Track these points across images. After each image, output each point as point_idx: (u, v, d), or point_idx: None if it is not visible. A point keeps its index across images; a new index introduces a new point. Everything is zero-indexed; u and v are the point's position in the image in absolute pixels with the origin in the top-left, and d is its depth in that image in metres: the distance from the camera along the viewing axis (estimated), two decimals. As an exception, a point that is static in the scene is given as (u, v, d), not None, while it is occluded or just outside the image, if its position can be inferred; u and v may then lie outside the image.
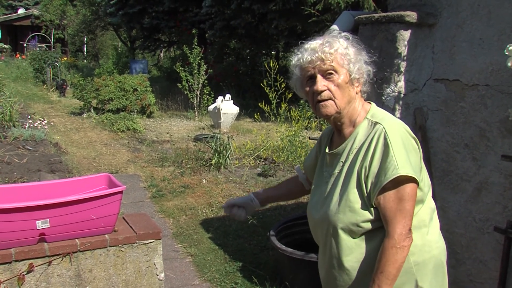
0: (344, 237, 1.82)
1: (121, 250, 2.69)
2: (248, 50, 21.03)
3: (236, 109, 12.12)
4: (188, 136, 10.69)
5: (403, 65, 3.27)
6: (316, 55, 1.79)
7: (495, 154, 2.94)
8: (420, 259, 1.85)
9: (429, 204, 1.91)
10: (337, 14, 6.95)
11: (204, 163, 7.99)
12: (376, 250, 1.79)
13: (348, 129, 1.90)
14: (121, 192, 2.62)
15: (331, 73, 1.80)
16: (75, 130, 11.15)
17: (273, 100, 9.10)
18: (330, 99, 1.82)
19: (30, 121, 9.21)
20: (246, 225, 5.46)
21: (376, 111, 1.91)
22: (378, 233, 1.80)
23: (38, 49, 22.63)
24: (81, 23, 29.65)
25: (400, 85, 3.29)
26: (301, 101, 11.53)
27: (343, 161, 1.87)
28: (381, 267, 1.71)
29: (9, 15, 31.82)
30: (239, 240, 5.24)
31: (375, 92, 3.36)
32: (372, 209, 1.78)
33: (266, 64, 9.96)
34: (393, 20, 3.25)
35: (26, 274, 2.44)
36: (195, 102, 13.35)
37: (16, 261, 2.42)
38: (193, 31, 14.79)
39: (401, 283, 1.81)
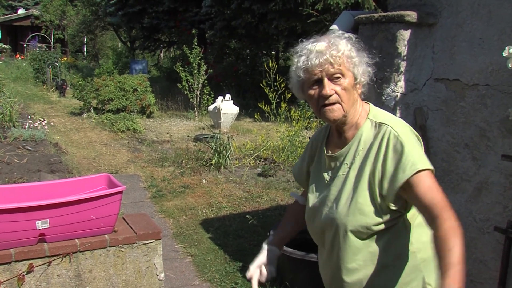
0: (353, 239, 1.80)
1: (121, 250, 2.69)
2: (248, 50, 21.03)
3: (236, 109, 12.12)
4: (188, 136, 10.69)
5: (403, 65, 3.26)
6: (324, 57, 1.74)
7: (495, 154, 2.94)
8: (426, 256, 1.85)
9: None
10: (337, 14, 6.95)
11: (204, 163, 7.99)
12: (384, 250, 1.79)
13: (350, 131, 1.87)
14: (121, 192, 2.62)
15: (339, 77, 1.76)
16: (75, 130, 11.15)
17: (272, 100, 9.10)
18: (338, 103, 1.78)
19: (30, 121, 9.22)
20: (246, 225, 5.46)
21: (376, 112, 1.89)
22: (386, 233, 1.80)
23: (38, 49, 22.61)
24: (81, 23, 29.66)
25: (400, 85, 3.29)
26: (301, 101, 11.53)
27: (348, 163, 1.84)
28: (448, 255, 1.52)
29: (9, 15, 31.80)
30: (239, 240, 5.24)
31: (375, 92, 3.35)
32: (384, 210, 1.76)
33: (265, 65, 9.95)
34: (393, 20, 3.25)
35: (26, 274, 2.44)
36: (195, 102, 13.35)
37: (16, 261, 2.42)
38: (193, 31, 14.82)
39: (409, 280, 1.81)
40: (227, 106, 11.81)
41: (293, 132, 8.48)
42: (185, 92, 13.05)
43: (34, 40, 28.16)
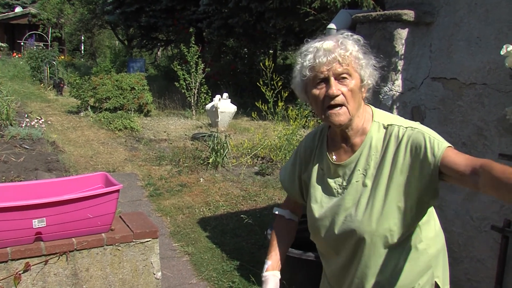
0: (379, 245, 1.76)
1: (118, 249, 2.68)
2: (245, 49, 21.02)
3: (233, 108, 12.11)
4: (186, 134, 10.69)
5: (400, 64, 3.27)
6: (333, 55, 1.68)
7: (493, 153, 2.94)
8: (434, 251, 1.87)
9: None
10: (334, 13, 6.96)
11: (202, 161, 7.98)
12: (403, 250, 1.80)
13: (358, 136, 1.81)
14: (117, 191, 2.62)
15: (345, 77, 1.70)
16: (72, 128, 11.13)
17: (270, 99, 9.10)
18: (343, 105, 1.71)
19: (27, 119, 9.21)
20: (243, 224, 5.46)
21: (380, 113, 1.85)
22: (409, 238, 1.80)
23: (35, 47, 22.54)
24: (78, 21, 29.59)
25: (397, 83, 3.29)
26: (299, 100, 11.51)
27: (361, 169, 1.79)
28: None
29: (6, 14, 31.71)
30: (237, 239, 5.24)
31: (372, 91, 3.35)
32: (410, 212, 1.74)
33: (261, 64, 9.94)
34: (391, 19, 3.24)
35: (22, 273, 2.43)
36: (192, 101, 13.34)
37: (12, 260, 2.41)
38: (191, 30, 14.77)
39: (419, 277, 1.83)
40: (224, 105, 11.80)
41: (291, 131, 8.48)
42: (183, 91, 13.04)
43: (31, 38, 28.07)
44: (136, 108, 13.14)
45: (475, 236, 3.11)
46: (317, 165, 1.93)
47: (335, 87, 1.69)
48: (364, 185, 1.78)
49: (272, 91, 9.17)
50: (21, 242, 2.43)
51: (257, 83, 9.70)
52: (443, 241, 1.95)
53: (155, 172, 7.77)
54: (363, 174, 1.79)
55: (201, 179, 7.32)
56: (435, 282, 1.89)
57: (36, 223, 2.42)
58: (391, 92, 3.32)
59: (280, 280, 2.00)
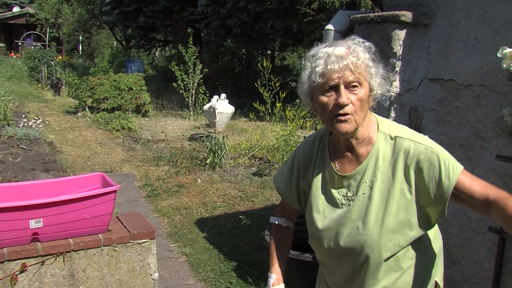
0: (386, 257, 1.75)
1: (115, 250, 2.68)
2: (243, 50, 21.03)
3: (231, 109, 12.11)
4: (183, 135, 10.69)
5: (398, 65, 3.27)
6: (345, 62, 1.62)
7: (490, 154, 2.95)
8: (434, 252, 1.89)
9: None
10: (333, 13, 6.95)
11: (199, 162, 7.98)
12: (407, 256, 1.79)
13: (363, 147, 1.77)
14: (114, 191, 2.61)
15: (356, 86, 1.64)
16: (69, 129, 11.11)
17: (267, 99, 9.11)
18: (351, 114, 1.65)
19: (25, 120, 9.19)
20: (240, 225, 5.46)
21: (386, 123, 1.81)
22: (413, 243, 1.79)
23: (33, 47, 22.51)
24: (76, 21, 29.56)
25: (395, 84, 3.29)
26: (296, 101, 11.53)
27: (368, 181, 1.75)
28: None
29: (4, 13, 31.64)
30: (234, 239, 5.23)
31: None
32: (418, 225, 1.74)
33: (259, 64, 9.95)
34: (388, 20, 3.24)
35: (19, 273, 2.43)
36: (190, 101, 13.34)
37: (8, 260, 2.41)
38: (189, 30, 14.76)
39: (423, 278, 1.84)
40: (222, 106, 11.80)
41: (288, 132, 8.48)
42: (181, 91, 13.04)
43: (29, 38, 28.01)
44: (134, 108, 13.13)
45: (472, 238, 3.11)
46: (319, 173, 1.88)
47: (346, 96, 1.63)
48: (372, 198, 1.74)
49: (270, 92, 9.18)
50: (17, 243, 2.43)
51: (255, 84, 9.71)
52: (441, 241, 1.97)
53: (152, 172, 7.76)
54: (370, 187, 1.75)
55: (199, 180, 7.31)
56: (435, 281, 1.90)
57: (33, 224, 2.41)
58: (388, 93, 3.32)
59: None
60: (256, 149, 8.64)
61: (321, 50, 1.68)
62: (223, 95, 12.22)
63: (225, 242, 5.15)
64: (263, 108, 9.07)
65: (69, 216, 2.49)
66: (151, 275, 2.82)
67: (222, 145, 8.06)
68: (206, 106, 11.99)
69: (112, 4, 21.51)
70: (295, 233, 2.18)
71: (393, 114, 3.33)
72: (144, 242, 2.77)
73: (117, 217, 2.94)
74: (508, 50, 2.46)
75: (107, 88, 12.82)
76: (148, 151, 9.30)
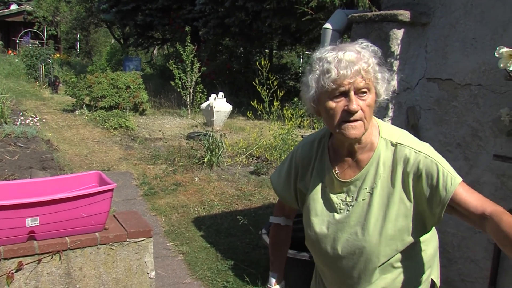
0: (383, 262, 1.76)
1: (112, 248, 2.68)
2: (241, 48, 21.00)
3: (229, 107, 12.11)
4: (181, 134, 10.67)
5: (396, 64, 3.27)
6: (356, 68, 1.59)
7: (487, 153, 2.95)
8: (431, 251, 1.90)
9: None
10: (331, 12, 6.95)
11: (197, 161, 7.97)
12: (405, 257, 1.80)
13: (365, 152, 1.75)
14: (111, 190, 2.61)
15: (365, 92, 1.63)
16: (67, 127, 11.10)
17: (265, 98, 9.10)
18: (361, 120, 1.64)
19: (22, 117, 9.16)
20: (238, 224, 5.45)
21: (387, 128, 1.80)
22: (411, 245, 1.78)
23: (30, 45, 22.48)
24: (74, 20, 29.52)
25: (392, 84, 3.29)
26: (294, 99, 11.53)
27: (368, 188, 1.74)
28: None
29: (1, 11, 31.58)
30: (231, 238, 5.23)
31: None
32: (416, 231, 1.74)
33: (257, 63, 9.94)
34: (386, 19, 3.24)
35: (15, 272, 2.42)
36: (188, 100, 13.33)
37: (5, 259, 2.40)
38: (187, 29, 14.73)
39: (420, 278, 1.85)
40: (220, 104, 11.79)
41: (286, 131, 8.48)
42: (178, 90, 13.02)
43: (26, 36, 27.99)
44: (131, 106, 13.10)
45: (469, 237, 3.11)
46: (318, 177, 1.86)
47: (356, 103, 1.61)
48: (372, 205, 1.73)
49: (267, 91, 9.17)
50: (14, 241, 2.43)
51: (253, 83, 9.70)
52: (437, 240, 1.97)
53: (150, 171, 7.76)
54: (370, 193, 1.74)
55: (196, 178, 7.31)
56: (431, 279, 1.91)
57: (30, 222, 2.41)
58: (386, 92, 3.32)
59: None
60: (254, 148, 8.64)
61: (330, 54, 1.64)
62: (221, 94, 12.21)
63: (222, 241, 5.15)
64: (261, 106, 9.06)
65: (66, 215, 2.49)
66: (148, 273, 2.82)
67: (220, 144, 8.05)
68: (204, 105, 11.98)
69: (110, 2, 21.46)
70: (292, 232, 2.18)
71: (390, 113, 3.33)
72: (141, 240, 2.76)
73: (114, 216, 2.93)
74: (505, 49, 2.45)
75: (104, 86, 12.79)
76: (146, 149, 9.28)
